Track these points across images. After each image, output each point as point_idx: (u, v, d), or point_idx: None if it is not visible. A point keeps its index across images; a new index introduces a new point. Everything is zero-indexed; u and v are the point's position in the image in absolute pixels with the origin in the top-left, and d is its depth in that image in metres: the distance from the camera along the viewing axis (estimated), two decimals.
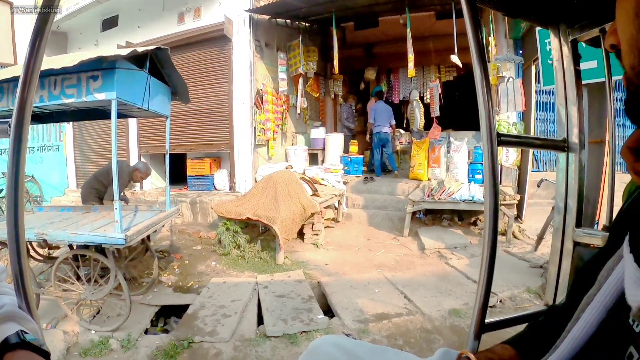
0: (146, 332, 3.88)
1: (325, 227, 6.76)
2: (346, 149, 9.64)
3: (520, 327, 0.90)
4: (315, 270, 5.28)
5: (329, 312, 4.17)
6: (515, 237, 6.16)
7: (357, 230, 7.05)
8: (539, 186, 6.51)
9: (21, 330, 0.70)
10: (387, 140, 8.78)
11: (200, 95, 8.02)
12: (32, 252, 4.46)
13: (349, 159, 9.12)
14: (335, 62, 7.83)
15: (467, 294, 4.24)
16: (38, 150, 9.73)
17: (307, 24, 8.93)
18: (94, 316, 4.04)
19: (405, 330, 3.62)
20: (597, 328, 0.52)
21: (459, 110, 9.86)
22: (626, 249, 0.50)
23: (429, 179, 8.04)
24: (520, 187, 7.17)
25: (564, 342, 0.54)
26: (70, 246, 4.07)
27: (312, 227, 6.49)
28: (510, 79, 6.73)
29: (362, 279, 4.85)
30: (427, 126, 9.22)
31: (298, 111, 9.26)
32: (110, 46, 8.86)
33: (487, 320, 1.12)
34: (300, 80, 8.93)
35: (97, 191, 5.52)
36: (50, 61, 3.40)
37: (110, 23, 9.41)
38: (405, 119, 10.62)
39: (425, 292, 4.39)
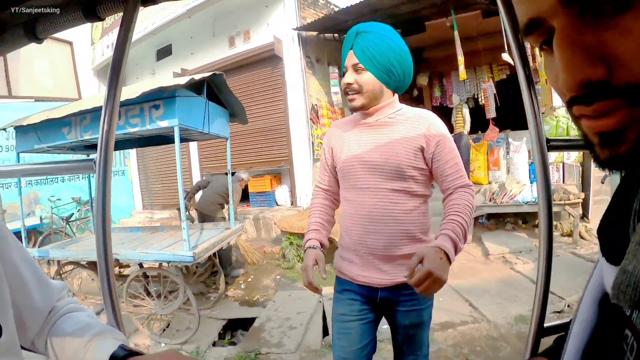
0: (214, 344, 4.02)
1: None
2: None
3: None
4: None
5: None
6: (582, 237, 5.84)
7: None
8: (602, 182, 6.14)
9: (121, 344, 0.76)
10: None
11: (257, 114, 8.25)
12: None
13: None
14: None
15: (533, 300, 4.05)
16: None
17: None
18: (164, 330, 4.26)
19: (471, 339, 3.53)
20: (594, 322, 0.53)
21: (515, 109, 9.50)
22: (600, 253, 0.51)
23: (489, 183, 7.79)
24: (585, 185, 6.74)
25: (569, 343, 0.55)
26: (141, 264, 4.32)
27: None
28: None
29: None
30: (475, 129, 9.00)
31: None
32: (166, 74, 9.37)
33: (546, 324, 1.10)
34: None
35: (221, 205, 5.96)
36: None
37: (164, 52, 9.93)
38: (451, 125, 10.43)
39: (490, 298, 4.25)
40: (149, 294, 4.11)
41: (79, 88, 3.90)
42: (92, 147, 5.09)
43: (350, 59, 1.55)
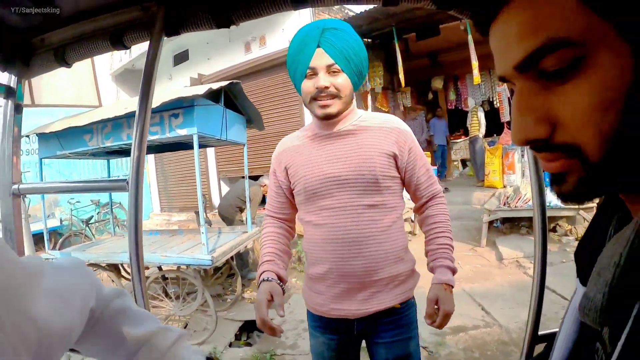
0: (230, 345, 4.11)
1: None
2: None
3: None
4: None
5: None
6: None
7: None
8: None
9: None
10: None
11: (273, 119, 8.38)
12: (123, 273, 4.89)
13: None
14: (401, 75, 7.80)
15: (545, 304, 4.06)
16: (124, 177, 10.63)
17: (369, 40, 9.05)
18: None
19: (482, 343, 3.55)
20: (575, 337, 0.57)
21: None
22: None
23: (504, 186, 7.77)
24: None
25: (553, 356, 0.59)
26: (160, 267, 4.44)
27: None
28: None
29: None
30: (490, 132, 8.99)
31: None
32: (183, 79, 9.54)
33: (540, 332, 1.15)
34: (369, 96, 9.00)
35: (240, 209, 6.10)
36: (133, 104, 3.81)
37: (181, 57, 10.11)
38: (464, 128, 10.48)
39: (503, 303, 4.27)
40: (167, 295, 4.23)
41: (99, 95, 4.02)
42: (113, 152, 5.25)
43: (321, 58, 1.34)
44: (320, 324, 1.54)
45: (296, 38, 1.42)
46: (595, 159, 0.40)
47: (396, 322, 1.45)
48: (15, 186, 1.20)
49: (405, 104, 10.63)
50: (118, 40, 1.03)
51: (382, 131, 1.44)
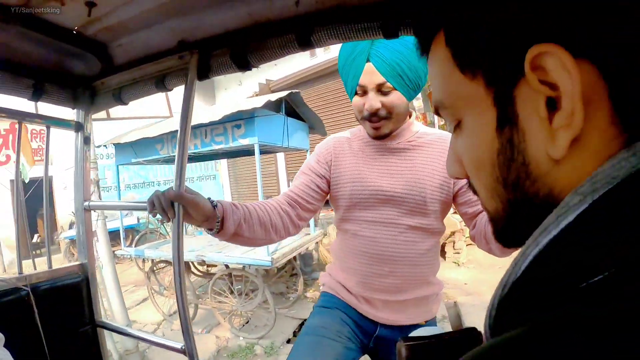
0: (288, 341, 4.29)
1: (467, 245, 6.61)
2: None
3: None
4: (454, 289, 5.23)
5: None
6: None
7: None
8: None
9: None
10: None
11: (337, 122, 8.51)
12: (193, 269, 5.25)
13: None
14: None
15: None
16: (197, 180, 11.30)
17: None
18: (244, 325, 4.65)
19: None
20: None
21: None
22: None
23: None
24: None
25: None
26: (227, 265, 4.74)
27: (454, 246, 6.41)
28: None
29: None
30: None
31: (436, 128, 9.12)
32: (252, 85, 9.95)
33: None
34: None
35: None
36: (199, 116, 4.18)
37: None
38: None
39: None
40: (232, 291, 4.51)
41: (169, 106, 4.39)
42: None
43: (372, 76, 1.22)
44: (343, 308, 1.44)
45: (345, 47, 1.32)
46: (489, 210, 0.43)
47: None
48: (87, 203, 1.46)
49: None
50: (161, 84, 1.22)
51: (439, 150, 1.34)
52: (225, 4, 0.97)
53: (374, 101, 1.23)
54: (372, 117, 1.27)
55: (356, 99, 1.29)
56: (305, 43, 1.05)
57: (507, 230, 0.42)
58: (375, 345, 1.44)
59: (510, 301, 0.33)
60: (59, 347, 1.37)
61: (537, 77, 0.33)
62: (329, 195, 1.47)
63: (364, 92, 1.26)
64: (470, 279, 5.57)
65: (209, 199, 1.14)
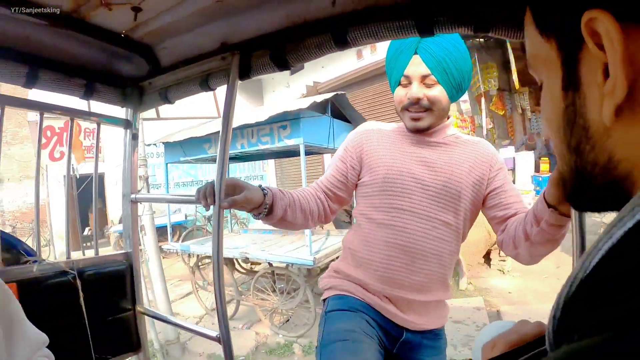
0: None
1: None
2: (537, 168, 8.88)
3: None
4: (497, 297, 5.07)
5: None
6: None
7: (547, 256, 6.44)
8: None
9: None
10: None
11: (387, 122, 8.42)
12: (237, 266, 5.36)
13: (540, 179, 8.39)
14: (514, 76, 7.34)
15: None
16: (245, 179, 11.54)
17: (481, 40, 8.66)
18: (284, 323, 4.71)
19: None
20: None
21: None
22: None
23: None
24: None
25: None
26: (270, 263, 4.81)
27: (499, 253, 6.21)
28: None
29: (544, 310, 4.47)
30: None
31: (484, 132, 8.89)
32: (300, 87, 10.06)
33: None
34: (483, 100, 8.60)
35: (347, 212, 6.54)
36: (246, 117, 4.26)
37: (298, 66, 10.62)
38: None
39: None
40: (274, 290, 4.58)
41: (217, 106, 4.52)
42: (230, 159, 5.82)
43: (418, 67, 1.23)
44: (364, 310, 1.33)
45: (394, 41, 1.31)
46: (561, 172, 0.44)
47: (437, 346, 1.39)
48: (134, 195, 1.55)
49: (523, 106, 9.90)
50: (204, 84, 1.28)
51: (476, 150, 1.33)
52: (264, 6, 1.01)
53: (416, 90, 1.24)
54: (413, 106, 1.27)
55: (399, 89, 1.30)
56: (342, 42, 1.07)
57: (575, 195, 0.43)
58: (399, 351, 1.36)
59: (578, 299, 0.31)
60: (101, 329, 1.46)
61: (593, 42, 0.33)
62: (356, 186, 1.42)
63: (408, 83, 1.26)
64: (515, 287, 5.39)
65: (259, 186, 1.19)
